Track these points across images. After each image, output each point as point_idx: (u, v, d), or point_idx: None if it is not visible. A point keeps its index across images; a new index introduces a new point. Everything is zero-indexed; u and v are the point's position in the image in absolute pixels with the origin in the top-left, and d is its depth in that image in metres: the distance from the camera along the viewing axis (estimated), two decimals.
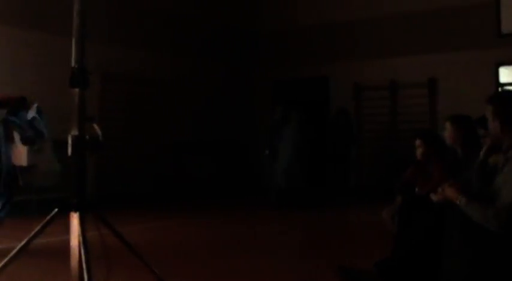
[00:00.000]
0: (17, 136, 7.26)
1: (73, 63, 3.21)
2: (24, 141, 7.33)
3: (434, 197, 4.57)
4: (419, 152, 5.74)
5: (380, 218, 5.54)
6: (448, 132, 5.20)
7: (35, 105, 7.34)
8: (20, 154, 7.66)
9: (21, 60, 9.99)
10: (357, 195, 12.03)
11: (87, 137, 3.25)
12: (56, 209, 3.26)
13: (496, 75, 12.13)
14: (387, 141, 13.10)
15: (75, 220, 3.20)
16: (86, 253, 3.11)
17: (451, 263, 3.46)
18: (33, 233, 3.30)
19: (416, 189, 5.65)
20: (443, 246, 3.53)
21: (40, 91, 9.08)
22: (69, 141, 3.22)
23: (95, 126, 5.46)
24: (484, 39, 11.61)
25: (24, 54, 10.08)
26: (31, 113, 7.32)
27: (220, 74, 14.04)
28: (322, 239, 7.82)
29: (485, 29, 11.15)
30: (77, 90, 3.23)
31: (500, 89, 12.18)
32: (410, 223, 4.45)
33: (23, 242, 3.25)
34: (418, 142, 5.76)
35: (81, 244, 3.12)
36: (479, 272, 3.25)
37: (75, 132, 3.22)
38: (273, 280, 5.24)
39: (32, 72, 10.00)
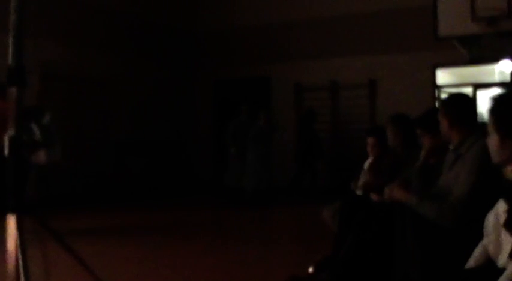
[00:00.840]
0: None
1: (10, 61, 3.13)
2: (44, 144, 8.46)
3: (374, 197, 4.64)
4: (375, 150, 5.72)
5: (321, 217, 5.58)
6: (389, 132, 5.26)
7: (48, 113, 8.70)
8: (40, 154, 8.51)
9: None
10: (298, 194, 12.08)
11: (24, 137, 3.17)
12: None
13: (433, 77, 12.40)
14: (328, 141, 13.22)
15: (12, 222, 3.12)
16: (24, 256, 3.03)
17: (406, 262, 3.51)
18: None
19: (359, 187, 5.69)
20: (396, 246, 3.59)
21: None
22: (6, 141, 3.13)
23: (33, 126, 5.40)
24: (421, 42, 11.83)
25: None
26: (46, 120, 8.80)
27: (161, 73, 13.93)
28: (265, 239, 7.84)
29: (423, 32, 11.34)
30: (14, 89, 3.15)
31: (436, 91, 12.47)
32: (350, 222, 4.49)
33: None
34: (371, 140, 5.75)
35: (18, 247, 3.04)
36: (436, 270, 3.32)
37: (12, 132, 3.14)
38: None
39: None
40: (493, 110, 2.35)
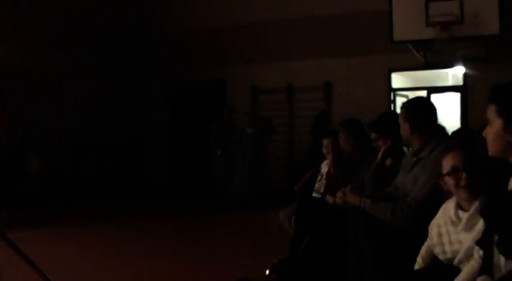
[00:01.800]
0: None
1: None
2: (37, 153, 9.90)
3: (330, 199, 4.66)
4: (331, 151, 5.72)
5: (278, 220, 5.59)
6: (341, 137, 5.30)
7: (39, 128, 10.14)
8: (34, 164, 9.80)
9: None
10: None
11: None
12: None
13: (389, 80, 12.54)
14: (284, 143, 13.25)
15: None
16: None
17: (359, 264, 3.54)
18: None
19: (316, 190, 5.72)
20: (349, 248, 3.61)
21: None
22: None
23: None
24: (377, 45, 11.94)
25: None
26: (37, 134, 10.09)
27: (117, 75, 13.72)
28: (220, 243, 7.82)
29: (379, 35, 11.47)
30: None
31: (391, 94, 12.62)
32: (307, 225, 4.50)
33: None
34: (327, 141, 5.76)
35: None
36: (388, 270, 3.35)
37: None
38: None
39: None
40: (495, 98, 2.36)
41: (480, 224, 2.74)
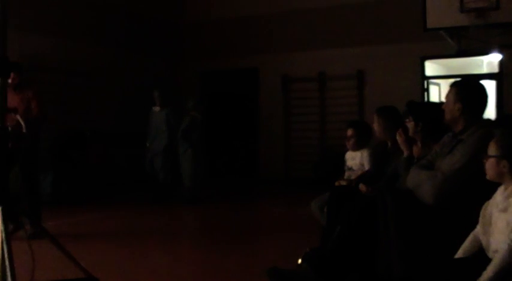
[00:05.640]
0: None
1: None
2: None
3: (363, 188, 4.62)
4: (352, 142, 5.75)
5: (309, 209, 5.57)
6: (376, 124, 5.22)
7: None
8: None
9: None
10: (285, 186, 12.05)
11: (9, 128, 3.13)
12: None
13: (422, 68, 12.39)
14: (316, 132, 13.20)
15: None
16: (8, 248, 2.99)
17: (389, 254, 3.50)
18: None
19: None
20: (379, 237, 3.57)
21: None
22: None
23: (18, 117, 5.37)
24: (410, 33, 11.81)
25: None
26: None
27: (148, 65, 13.74)
28: (256, 231, 7.82)
29: (412, 23, 11.34)
30: None
31: (425, 82, 12.47)
32: (339, 214, 4.47)
33: None
34: (350, 132, 5.77)
35: (3, 240, 3.00)
36: (418, 261, 3.31)
37: None
38: (192, 276, 5.20)
39: None
40: None
41: None
